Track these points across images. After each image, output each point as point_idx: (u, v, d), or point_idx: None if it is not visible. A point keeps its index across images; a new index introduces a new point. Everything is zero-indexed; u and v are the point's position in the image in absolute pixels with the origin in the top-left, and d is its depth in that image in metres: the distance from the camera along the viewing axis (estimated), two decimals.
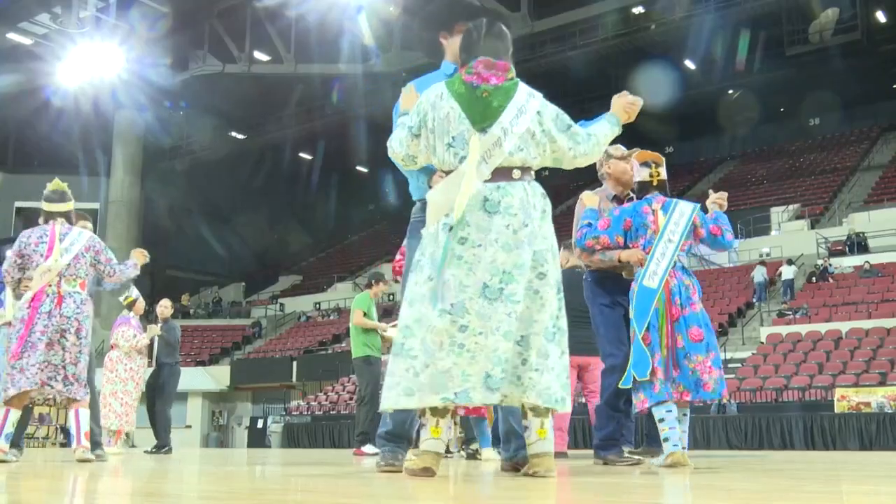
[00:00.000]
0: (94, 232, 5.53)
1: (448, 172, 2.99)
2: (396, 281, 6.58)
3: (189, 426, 25.78)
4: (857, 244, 21.40)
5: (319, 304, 30.53)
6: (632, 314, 4.06)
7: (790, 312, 18.63)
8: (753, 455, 7.84)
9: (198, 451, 13.16)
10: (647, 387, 3.93)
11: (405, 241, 5.96)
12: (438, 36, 3.51)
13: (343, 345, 24.16)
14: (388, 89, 29.71)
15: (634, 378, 3.95)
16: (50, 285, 5.00)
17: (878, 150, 29.53)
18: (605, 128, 3.18)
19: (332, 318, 28.82)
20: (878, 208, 23.18)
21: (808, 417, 13.30)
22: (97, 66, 25.53)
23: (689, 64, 28.71)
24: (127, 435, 10.36)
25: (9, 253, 5.13)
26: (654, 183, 4.29)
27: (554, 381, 2.81)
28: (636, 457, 4.61)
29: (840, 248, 21.73)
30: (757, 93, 28.78)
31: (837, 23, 24.53)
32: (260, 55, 28.61)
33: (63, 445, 15.69)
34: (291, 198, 36.59)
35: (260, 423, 21.93)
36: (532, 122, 2.96)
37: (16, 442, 5.34)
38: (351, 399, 19.39)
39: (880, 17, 26.20)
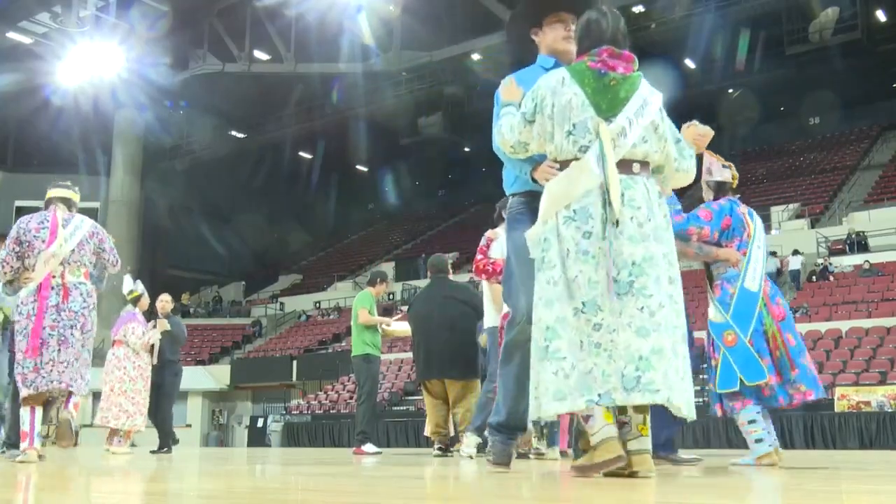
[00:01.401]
0: None
1: (563, 162, 2.87)
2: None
3: (189, 425, 25.77)
4: (857, 243, 21.40)
5: (319, 303, 30.53)
6: (728, 318, 4.00)
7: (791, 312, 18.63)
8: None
9: (198, 451, 13.16)
10: (754, 392, 3.93)
11: (483, 240, 5.91)
12: (530, 32, 3.44)
13: (343, 344, 24.17)
14: (387, 89, 29.73)
15: (742, 381, 3.89)
16: (54, 276, 4.74)
17: (878, 150, 29.51)
18: (692, 153, 3.08)
19: (332, 317, 28.82)
20: (877, 207, 23.17)
21: (808, 416, 13.30)
22: (97, 66, 25.51)
23: (689, 63, 28.69)
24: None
25: (6, 242, 4.86)
26: (733, 185, 4.35)
27: (690, 387, 2.75)
28: (692, 456, 4.51)
29: (840, 247, 21.73)
30: (757, 92, 28.76)
31: (837, 22, 24.50)
32: (260, 54, 28.60)
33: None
34: (291, 197, 36.59)
35: (260, 423, 21.93)
36: (656, 116, 2.89)
37: (15, 442, 5.23)
38: (351, 398, 19.39)
39: (880, 16, 26.17)
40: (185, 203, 33.14)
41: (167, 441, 8.68)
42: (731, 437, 13.65)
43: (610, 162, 2.74)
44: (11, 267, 4.81)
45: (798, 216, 24.87)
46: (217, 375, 26.85)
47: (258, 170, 33.97)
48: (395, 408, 19.21)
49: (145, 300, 8.73)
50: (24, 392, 4.67)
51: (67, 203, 5.03)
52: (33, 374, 4.64)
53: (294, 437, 19.48)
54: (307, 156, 36.60)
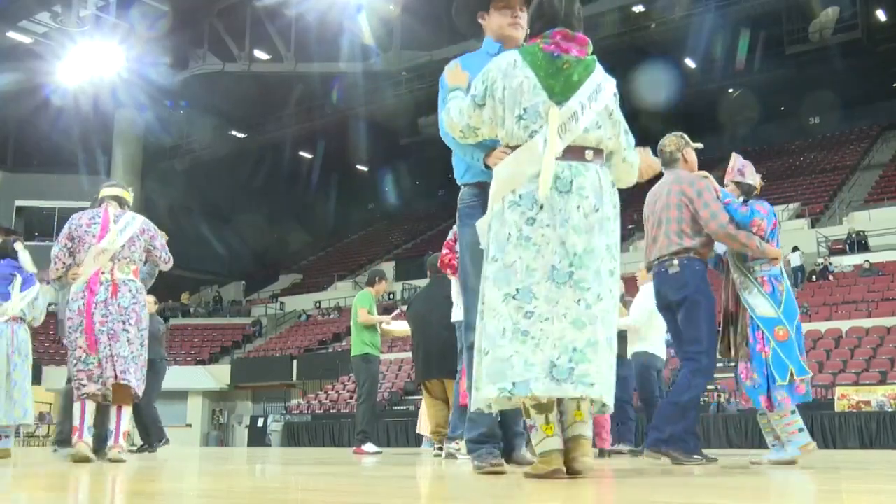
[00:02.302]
0: None
1: (514, 147, 2.78)
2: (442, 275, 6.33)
3: (189, 425, 25.78)
4: (858, 243, 21.40)
5: (319, 302, 30.54)
6: (780, 314, 4.21)
7: None
8: (757, 454, 7.82)
9: (198, 450, 13.16)
10: (790, 387, 4.15)
11: (451, 234, 5.85)
12: (476, 17, 3.36)
13: (343, 343, 24.17)
14: (387, 88, 29.73)
15: (792, 375, 4.14)
16: (103, 272, 4.69)
17: (878, 149, 29.51)
18: (637, 158, 2.98)
19: (332, 316, 28.83)
20: (878, 207, 23.18)
21: (808, 416, 13.21)
22: (97, 65, 25.52)
23: (690, 63, 28.70)
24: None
25: (58, 240, 4.80)
26: (758, 191, 4.50)
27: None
28: (703, 456, 4.50)
29: (840, 246, 21.73)
30: (757, 92, 28.76)
31: (838, 22, 24.51)
32: (260, 54, 28.60)
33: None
34: (291, 197, 36.60)
35: (260, 422, 21.93)
36: (611, 101, 2.82)
37: (67, 439, 5.16)
38: (351, 398, 19.40)
39: (880, 15, 26.18)
40: (185, 203, 33.13)
41: (150, 440, 8.62)
42: (730, 436, 13.66)
43: (551, 146, 2.67)
44: (63, 263, 4.78)
45: (798, 216, 24.88)
46: (217, 375, 26.85)
47: (258, 170, 33.98)
48: (395, 408, 19.21)
49: None
50: (86, 388, 4.63)
51: (119, 201, 4.99)
52: (98, 370, 4.62)
53: (294, 436, 19.49)
54: (307, 155, 36.61)
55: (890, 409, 13.00)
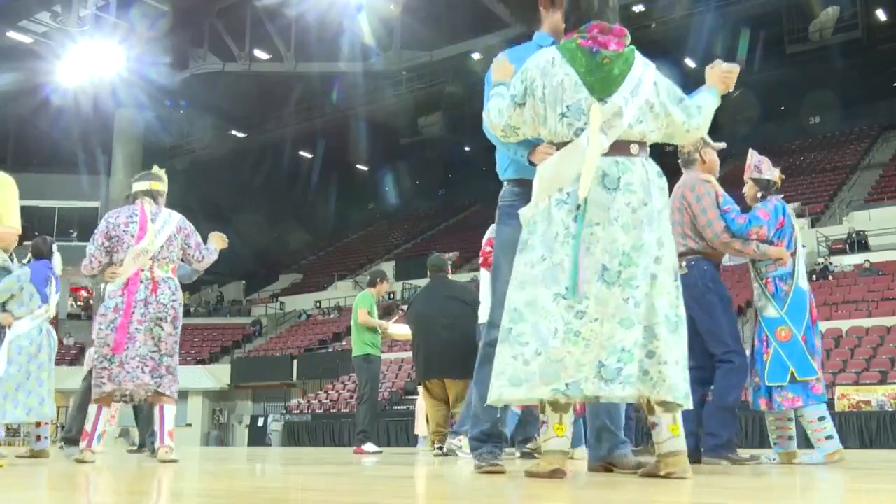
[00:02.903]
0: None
1: (559, 144, 2.75)
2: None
3: (189, 424, 25.78)
4: (858, 242, 21.40)
5: (320, 302, 30.54)
6: (782, 314, 4.17)
7: None
8: (759, 453, 7.82)
9: (198, 450, 13.16)
10: (804, 387, 4.09)
11: (490, 231, 5.74)
12: (539, 4, 3.26)
13: (343, 343, 24.17)
14: (387, 88, 29.73)
15: (793, 375, 4.08)
16: (143, 270, 4.60)
17: (878, 149, 29.50)
18: (710, 100, 2.93)
19: (332, 316, 28.83)
20: (878, 207, 23.17)
21: None
22: (97, 65, 25.51)
23: (690, 62, 28.69)
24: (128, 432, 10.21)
25: (94, 238, 4.67)
26: (778, 185, 4.50)
27: (679, 375, 2.61)
28: (750, 455, 4.45)
29: (840, 246, 21.72)
30: (757, 91, 28.74)
31: (838, 21, 24.51)
32: (260, 54, 28.60)
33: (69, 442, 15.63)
34: (291, 196, 36.60)
35: (260, 422, 21.95)
36: (650, 93, 2.77)
37: (74, 439, 5.04)
38: (351, 397, 19.40)
39: (881, 15, 26.17)
40: (185, 202, 32.96)
41: (143, 439, 8.55)
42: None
43: (593, 144, 2.64)
44: (100, 262, 4.68)
45: (798, 215, 24.83)
46: (217, 375, 26.85)
47: (258, 169, 33.98)
48: (395, 407, 19.21)
49: None
50: (104, 388, 4.49)
51: (153, 195, 4.87)
52: (118, 370, 4.47)
53: (294, 436, 19.50)
54: (307, 155, 36.61)
55: (890, 409, 13.00)
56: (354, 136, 31.47)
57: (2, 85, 24.98)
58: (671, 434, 2.63)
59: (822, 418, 4.12)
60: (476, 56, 26.47)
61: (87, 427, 4.55)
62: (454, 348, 6.71)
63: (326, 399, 21.57)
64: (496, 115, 2.87)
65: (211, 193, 33.33)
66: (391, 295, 25.69)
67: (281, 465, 5.01)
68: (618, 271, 2.60)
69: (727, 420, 4.26)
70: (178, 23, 26.37)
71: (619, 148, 2.70)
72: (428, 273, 7.28)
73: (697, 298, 4.20)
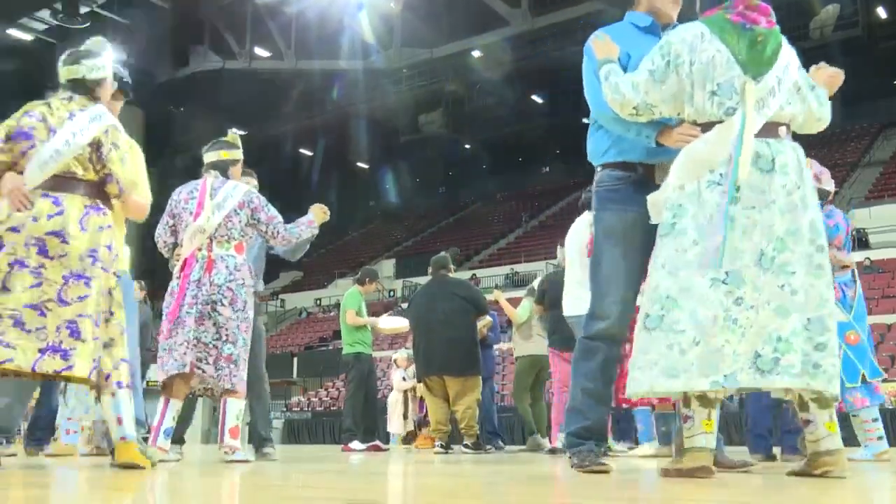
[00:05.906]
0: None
1: (705, 125, 2.61)
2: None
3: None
4: (858, 240, 21.38)
5: (320, 300, 30.55)
6: (850, 318, 4.41)
7: None
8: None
9: (198, 447, 13.17)
10: (870, 388, 4.38)
11: (579, 223, 5.43)
12: None
13: None
14: (388, 86, 29.74)
15: (864, 377, 4.36)
16: (200, 249, 4.16)
17: (878, 147, 29.49)
18: (828, 109, 2.81)
19: (332, 314, 28.82)
20: (878, 204, 23.17)
21: None
22: None
23: None
24: None
25: (163, 217, 4.36)
26: (831, 198, 4.66)
27: (839, 367, 2.53)
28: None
29: None
30: None
31: (838, 19, 24.51)
32: (260, 51, 28.61)
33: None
34: (292, 194, 36.59)
35: None
36: (799, 76, 2.69)
37: (178, 437, 4.76)
38: None
39: (881, 13, 26.16)
40: None
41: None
42: (731, 435, 13.64)
43: (749, 125, 2.52)
44: (164, 242, 4.34)
45: None
46: None
47: (259, 167, 33.87)
48: None
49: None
50: (159, 378, 4.19)
51: (221, 166, 4.51)
52: (167, 357, 4.09)
53: (294, 434, 19.52)
54: (308, 153, 36.62)
55: (891, 407, 12.99)
56: (355, 133, 31.49)
57: (2, 82, 24.98)
58: (828, 432, 2.55)
59: (875, 419, 4.39)
60: (476, 54, 26.46)
61: (153, 422, 4.24)
62: (454, 345, 6.71)
63: (327, 397, 21.59)
64: (630, 91, 2.67)
65: None
66: (391, 292, 25.71)
67: (281, 462, 5.01)
68: (772, 257, 2.50)
69: (791, 418, 4.36)
70: (179, 21, 26.38)
71: (769, 130, 2.59)
72: (429, 271, 7.28)
73: None
